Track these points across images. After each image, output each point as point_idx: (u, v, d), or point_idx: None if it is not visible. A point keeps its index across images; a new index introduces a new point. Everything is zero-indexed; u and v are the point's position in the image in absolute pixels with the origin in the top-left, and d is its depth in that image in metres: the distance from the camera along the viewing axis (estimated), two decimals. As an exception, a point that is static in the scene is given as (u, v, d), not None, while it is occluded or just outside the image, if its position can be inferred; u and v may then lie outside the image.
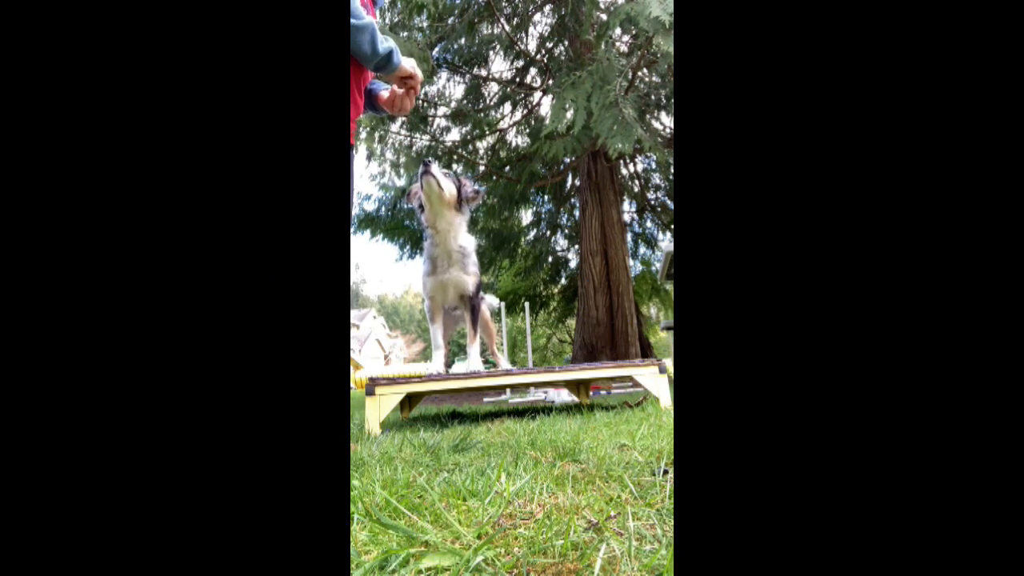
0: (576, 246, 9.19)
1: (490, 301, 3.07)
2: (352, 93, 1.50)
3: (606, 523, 0.65)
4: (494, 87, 7.98)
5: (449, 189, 2.35)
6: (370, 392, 2.19)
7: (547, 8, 7.09)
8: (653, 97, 6.49)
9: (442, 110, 7.59)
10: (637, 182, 9.15)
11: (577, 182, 8.45)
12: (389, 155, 7.59)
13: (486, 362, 2.99)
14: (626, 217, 8.85)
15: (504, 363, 3.01)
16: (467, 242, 2.46)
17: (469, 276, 2.44)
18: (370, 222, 8.12)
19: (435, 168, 2.35)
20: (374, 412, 2.16)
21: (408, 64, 1.51)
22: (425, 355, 30.69)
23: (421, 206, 2.42)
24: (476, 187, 2.51)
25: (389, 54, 1.42)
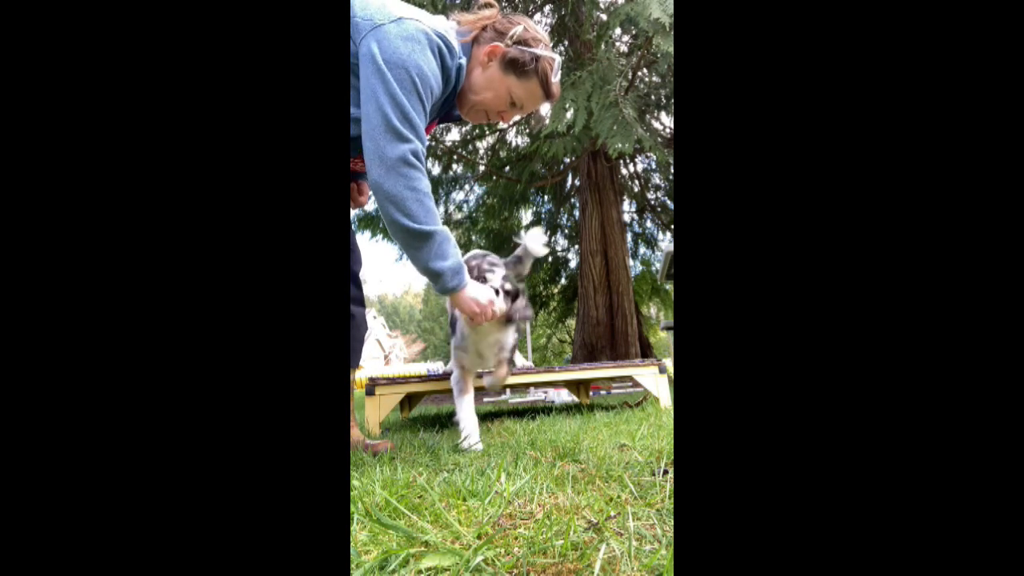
0: (576, 246, 9.19)
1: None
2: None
3: (606, 523, 0.65)
4: (494, 87, 7.97)
5: (503, 309, 1.50)
6: (370, 392, 2.19)
7: (547, 8, 7.09)
8: (653, 97, 6.49)
9: (442, 110, 7.59)
10: (637, 182, 9.15)
11: (577, 182, 8.45)
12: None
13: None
14: (626, 217, 8.85)
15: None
16: (509, 341, 1.69)
17: (504, 365, 1.74)
18: (370, 222, 8.11)
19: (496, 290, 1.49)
20: (374, 412, 2.16)
21: (470, 300, 1.22)
22: (425, 355, 30.70)
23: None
24: (527, 311, 1.65)
25: (438, 275, 1.18)
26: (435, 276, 1.19)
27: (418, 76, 1.12)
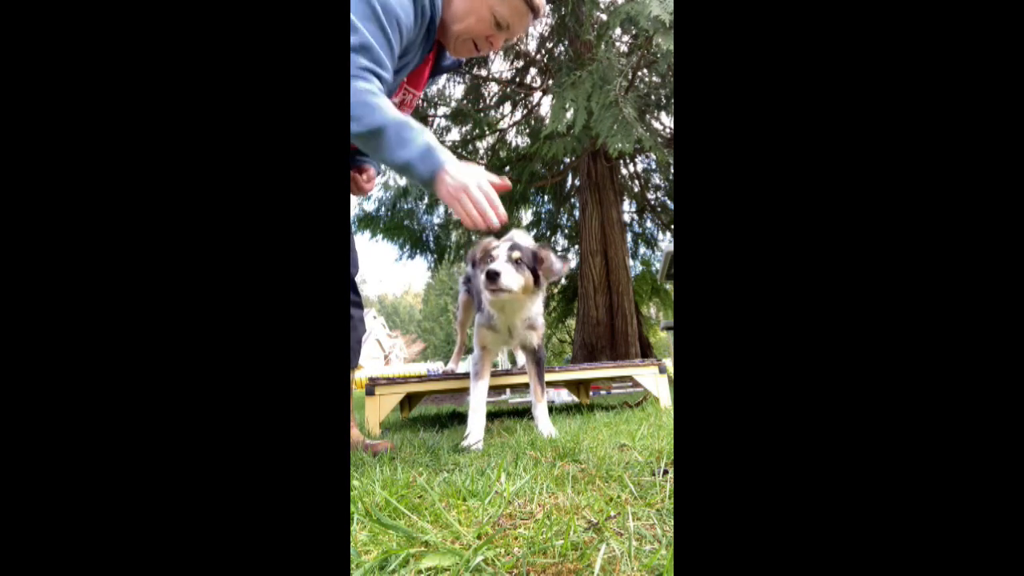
0: (576, 246, 9.19)
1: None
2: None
3: (606, 523, 0.65)
4: (494, 87, 7.98)
5: (520, 284, 1.46)
6: (370, 392, 2.19)
7: (547, 8, 7.09)
8: (653, 97, 6.48)
9: (442, 110, 7.59)
10: (637, 182, 9.15)
11: (577, 182, 8.45)
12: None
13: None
14: (626, 217, 8.85)
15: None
16: (538, 308, 1.66)
17: (536, 331, 1.68)
18: (370, 222, 8.11)
19: (503, 264, 1.43)
20: (374, 412, 2.16)
21: (453, 199, 1.05)
22: (425, 355, 30.69)
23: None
24: (559, 264, 1.57)
25: (407, 166, 1.07)
26: (405, 169, 1.07)
27: (379, 2, 1.09)
